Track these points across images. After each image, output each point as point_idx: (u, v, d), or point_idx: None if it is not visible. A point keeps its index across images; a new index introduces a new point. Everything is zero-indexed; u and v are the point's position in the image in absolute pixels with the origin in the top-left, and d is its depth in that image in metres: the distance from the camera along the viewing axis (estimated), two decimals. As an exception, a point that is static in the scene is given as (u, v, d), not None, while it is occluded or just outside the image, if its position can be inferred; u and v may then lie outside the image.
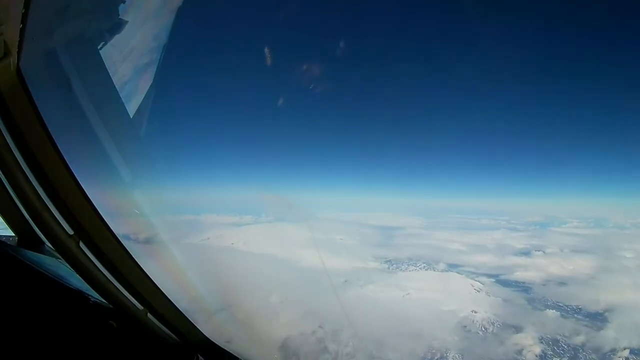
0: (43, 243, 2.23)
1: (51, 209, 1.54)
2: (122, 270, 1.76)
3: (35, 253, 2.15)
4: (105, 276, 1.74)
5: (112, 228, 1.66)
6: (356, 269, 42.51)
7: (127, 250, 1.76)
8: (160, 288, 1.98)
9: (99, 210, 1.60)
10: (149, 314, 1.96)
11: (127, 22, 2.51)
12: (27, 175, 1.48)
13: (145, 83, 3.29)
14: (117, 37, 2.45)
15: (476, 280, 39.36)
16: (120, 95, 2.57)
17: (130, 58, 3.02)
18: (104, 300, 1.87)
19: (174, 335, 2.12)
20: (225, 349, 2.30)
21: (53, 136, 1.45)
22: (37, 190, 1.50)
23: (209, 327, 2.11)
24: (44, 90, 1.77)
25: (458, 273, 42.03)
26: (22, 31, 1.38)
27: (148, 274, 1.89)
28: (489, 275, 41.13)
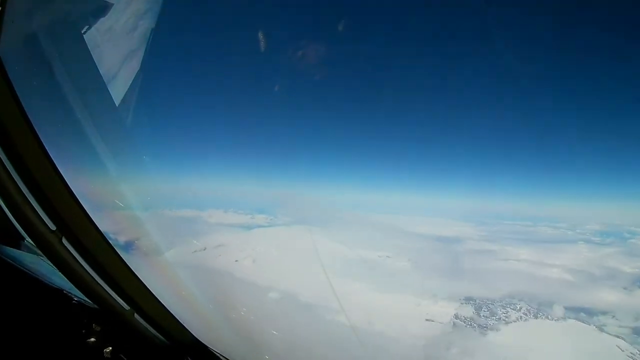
0: (23, 239, 2.23)
1: (32, 202, 1.52)
2: (108, 268, 1.75)
3: (15, 250, 2.15)
4: (90, 274, 1.74)
5: (97, 224, 1.66)
6: (430, 316, 26.16)
7: (113, 248, 1.76)
8: (148, 287, 1.98)
9: (83, 204, 1.59)
10: (136, 315, 1.96)
11: (112, 4, 2.49)
12: (6, 167, 1.47)
13: (132, 69, 3.27)
14: (102, 21, 2.43)
15: (620, 338, 25.02)
16: (106, 82, 2.56)
17: (116, 42, 2.99)
18: (87, 300, 1.88)
19: (162, 337, 2.13)
20: (217, 351, 2.32)
21: (34, 126, 1.43)
22: (17, 183, 1.49)
23: (199, 329, 2.13)
24: (25, 77, 1.75)
25: (586, 322, 26.07)
26: (1, 14, 1.37)
27: (135, 272, 1.89)
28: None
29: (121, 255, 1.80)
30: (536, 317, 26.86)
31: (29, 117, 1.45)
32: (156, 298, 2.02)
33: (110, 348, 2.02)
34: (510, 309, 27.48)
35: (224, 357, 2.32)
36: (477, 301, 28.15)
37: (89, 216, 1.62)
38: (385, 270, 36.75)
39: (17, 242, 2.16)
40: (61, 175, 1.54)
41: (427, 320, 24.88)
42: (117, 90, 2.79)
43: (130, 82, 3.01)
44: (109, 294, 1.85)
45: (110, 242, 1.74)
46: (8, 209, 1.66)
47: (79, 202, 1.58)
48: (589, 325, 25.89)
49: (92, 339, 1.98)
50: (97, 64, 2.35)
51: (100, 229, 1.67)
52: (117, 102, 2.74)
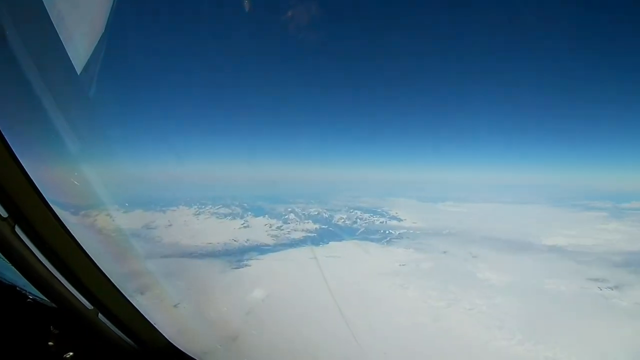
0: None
1: None
2: (69, 262, 1.75)
3: None
4: (47, 269, 1.73)
5: (56, 211, 1.64)
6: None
7: (74, 239, 1.75)
8: (115, 284, 1.98)
9: (39, 188, 1.57)
10: (100, 315, 1.96)
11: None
12: None
13: (95, 31, 3.20)
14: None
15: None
16: (65, 47, 2.48)
17: (75, 1, 2.93)
18: (45, 298, 1.86)
19: (130, 340, 2.14)
20: (193, 357, 2.33)
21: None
22: None
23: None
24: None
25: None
26: None
27: (101, 267, 1.89)
28: None
29: (84, 248, 1.79)
30: None
31: None
32: (124, 296, 2.03)
33: (71, 354, 2.01)
34: None
35: None
36: None
37: (47, 203, 1.60)
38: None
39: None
40: (14, 154, 1.50)
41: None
42: (79, 57, 2.72)
43: (95, 47, 2.95)
44: (69, 291, 1.84)
45: (70, 232, 1.72)
46: None
47: (36, 186, 1.56)
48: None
49: (50, 343, 1.97)
50: (55, 25, 2.29)
51: (60, 218, 1.66)
52: (78, 71, 2.66)
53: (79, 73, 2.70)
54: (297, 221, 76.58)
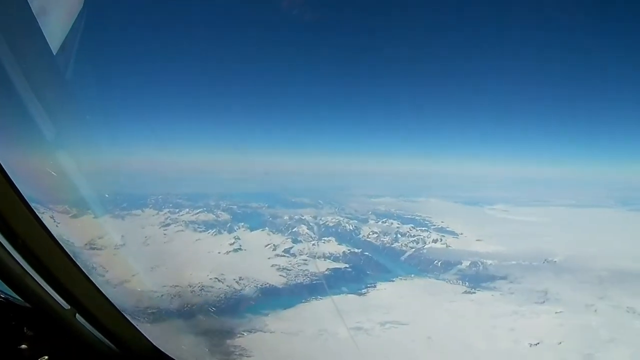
0: None
1: None
2: (43, 258, 1.73)
3: None
4: (21, 265, 1.71)
5: (30, 203, 1.62)
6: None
7: (50, 233, 1.73)
8: (94, 283, 1.97)
9: (12, 179, 1.53)
10: (77, 315, 1.95)
11: None
12: None
13: (73, 4, 3.17)
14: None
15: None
16: (39, 22, 2.42)
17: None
18: (17, 297, 1.85)
19: (110, 343, 2.13)
20: None
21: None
22: None
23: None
24: None
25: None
26: None
27: (78, 264, 1.87)
28: None
29: (60, 243, 1.77)
30: None
31: None
32: (104, 296, 2.01)
33: (47, 357, 1.97)
34: None
35: None
36: None
37: (20, 195, 1.57)
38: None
39: None
40: None
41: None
42: (54, 34, 2.64)
43: (73, 23, 2.88)
44: (44, 290, 1.82)
45: (46, 226, 1.70)
46: None
47: (9, 177, 1.52)
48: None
49: (24, 346, 1.93)
50: (29, 1, 2.26)
51: (34, 211, 1.63)
52: (54, 50, 2.60)
53: (54, 52, 2.64)
54: (312, 238, 65.06)
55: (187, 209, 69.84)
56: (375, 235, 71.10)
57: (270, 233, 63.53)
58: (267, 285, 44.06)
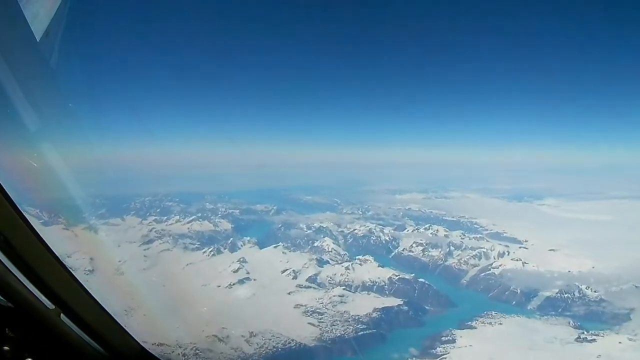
0: None
1: None
2: (28, 257, 1.80)
3: None
4: (3, 264, 1.77)
5: (13, 199, 1.68)
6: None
7: (34, 230, 1.79)
8: (81, 282, 2.05)
9: None
10: (62, 316, 2.03)
11: None
12: None
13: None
14: None
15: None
16: (22, 8, 2.49)
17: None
18: (1, 297, 1.93)
19: (97, 345, 2.21)
20: None
21: None
22: None
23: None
24: None
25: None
26: None
27: (64, 263, 1.95)
28: None
29: (45, 241, 1.84)
30: None
31: None
32: (91, 296, 2.09)
33: (30, 359, 2.05)
34: None
35: None
36: None
37: (2, 189, 1.64)
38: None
39: None
40: None
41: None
42: (38, 20, 2.75)
43: (57, 8, 3.02)
44: (27, 289, 1.89)
45: (30, 223, 1.76)
46: None
47: None
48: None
49: (6, 348, 2.00)
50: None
51: (18, 207, 1.69)
52: (38, 36, 2.70)
53: (38, 39, 2.72)
54: (341, 256, 57.59)
55: (178, 216, 66.36)
56: (421, 247, 67.26)
57: (286, 250, 57.63)
58: (293, 343, 34.71)
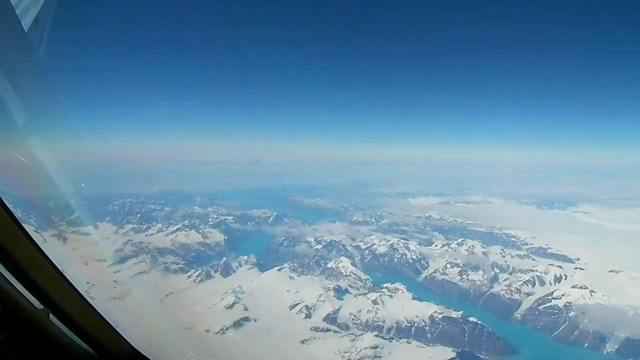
0: None
1: None
2: (15, 254, 1.84)
3: None
4: None
5: (2, 197, 1.72)
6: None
7: (22, 227, 1.83)
8: (71, 281, 2.09)
9: None
10: (51, 316, 2.07)
11: None
12: None
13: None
14: None
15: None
16: (11, 0, 2.56)
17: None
18: None
19: (87, 346, 2.26)
20: None
21: None
22: None
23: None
24: None
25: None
26: None
27: (53, 261, 1.99)
28: None
29: (34, 239, 1.87)
30: None
31: None
32: (81, 295, 2.12)
33: None
34: None
35: None
36: None
37: None
38: None
39: None
40: None
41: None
42: (27, 9, 2.85)
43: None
44: (15, 288, 1.92)
45: (18, 220, 1.80)
46: None
47: None
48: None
49: None
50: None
51: (5, 203, 1.73)
52: (26, 27, 2.79)
53: (26, 29, 2.79)
54: (362, 282, 51.15)
55: (160, 224, 62.03)
56: (457, 268, 62.30)
57: (293, 274, 51.59)
58: None
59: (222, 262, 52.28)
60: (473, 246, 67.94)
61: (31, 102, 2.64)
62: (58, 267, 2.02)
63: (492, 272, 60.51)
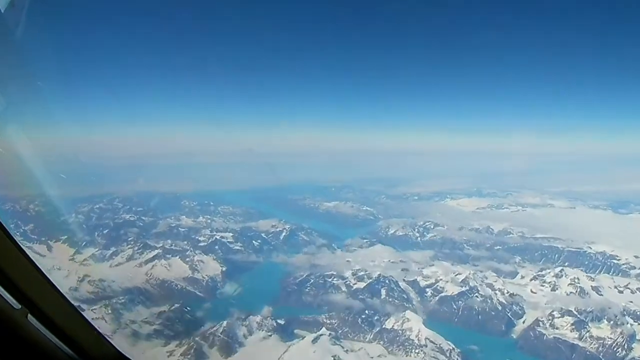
0: None
1: None
2: None
3: None
4: None
5: None
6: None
7: (1, 225, 1.77)
8: (51, 280, 2.04)
9: None
10: (29, 316, 2.02)
11: None
12: None
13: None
14: None
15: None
16: None
17: None
18: None
19: (66, 347, 2.20)
20: None
21: None
22: None
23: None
24: None
25: None
26: None
27: (32, 258, 1.94)
28: None
29: (11, 235, 1.82)
30: None
31: None
32: (62, 295, 2.08)
33: None
34: None
35: None
36: None
37: None
38: None
39: None
40: None
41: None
42: None
43: None
44: None
45: None
46: None
47: None
48: None
49: None
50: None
51: None
52: (2, 6, 2.68)
53: (2, 10, 2.71)
54: (445, 356, 35.29)
55: (132, 247, 46.77)
56: (569, 318, 43.80)
57: (338, 349, 35.45)
58: None
59: (222, 326, 37.53)
60: (578, 279, 50.04)
61: (7, 89, 2.53)
62: (37, 265, 1.96)
63: (625, 323, 42.63)
